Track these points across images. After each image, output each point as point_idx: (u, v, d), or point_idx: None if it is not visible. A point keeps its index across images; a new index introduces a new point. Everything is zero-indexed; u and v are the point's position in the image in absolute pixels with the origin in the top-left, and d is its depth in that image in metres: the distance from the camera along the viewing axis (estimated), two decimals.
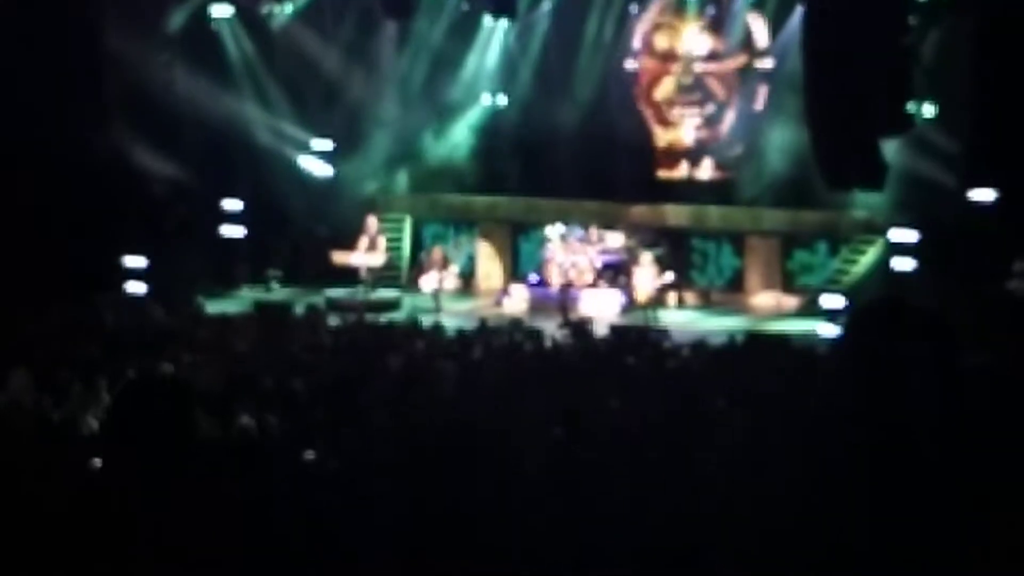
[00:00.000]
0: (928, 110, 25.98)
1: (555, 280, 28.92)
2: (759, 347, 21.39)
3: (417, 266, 30.12)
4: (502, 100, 31.51)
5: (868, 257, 27.89)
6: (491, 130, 31.48)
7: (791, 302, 28.75)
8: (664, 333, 24.22)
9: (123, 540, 4.32)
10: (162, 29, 29.14)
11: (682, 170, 30.64)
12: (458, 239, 31.27)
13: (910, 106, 22.72)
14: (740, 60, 30.09)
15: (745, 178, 29.63)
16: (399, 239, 31.15)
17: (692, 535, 6.86)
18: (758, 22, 29.75)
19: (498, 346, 20.53)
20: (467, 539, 6.67)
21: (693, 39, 30.39)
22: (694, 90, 30.55)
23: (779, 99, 28.59)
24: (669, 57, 30.69)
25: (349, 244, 28.87)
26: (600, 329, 24.22)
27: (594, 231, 29.41)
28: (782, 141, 27.91)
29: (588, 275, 28.90)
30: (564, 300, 27.89)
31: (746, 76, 30.04)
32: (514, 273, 30.74)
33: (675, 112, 30.70)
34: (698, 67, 30.40)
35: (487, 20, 30.94)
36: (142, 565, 4.30)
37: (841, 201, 27.85)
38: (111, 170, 27.09)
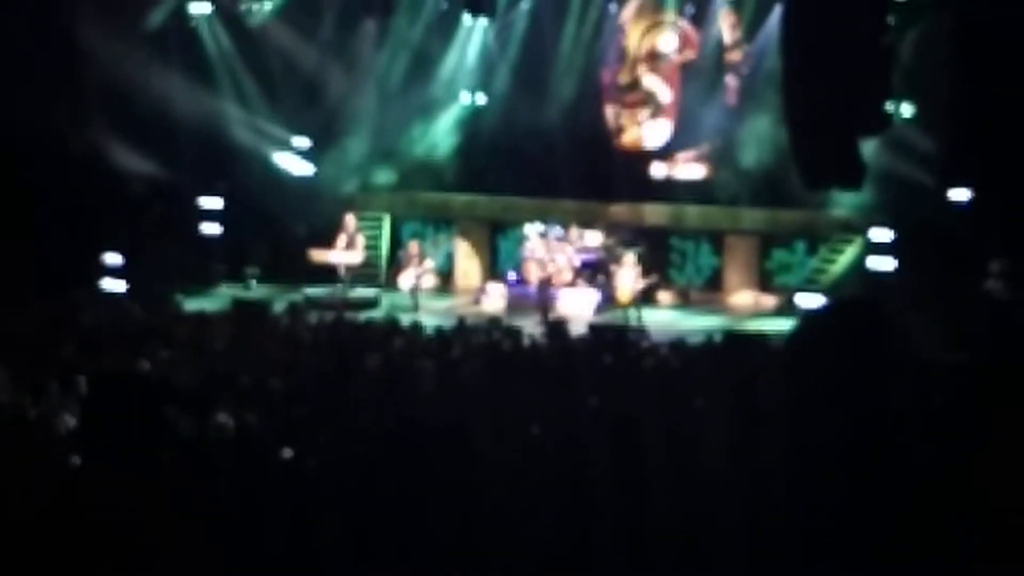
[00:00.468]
0: (907, 110, 26.07)
1: (534, 279, 28.91)
2: (737, 346, 21.39)
3: (395, 264, 30.09)
4: (481, 99, 31.54)
5: (846, 256, 27.95)
6: (470, 128, 31.52)
7: (769, 301, 28.79)
8: (642, 332, 24.22)
9: (100, 537, 4.30)
10: (140, 27, 29.09)
11: (657, 169, 30.69)
12: (436, 237, 31.27)
13: (889, 106, 22.74)
14: (686, 56, 30.26)
15: (722, 177, 29.68)
16: (377, 237, 31.13)
17: (671, 531, 6.86)
18: (730, 18, 29.84)
19: (476, 344, 20.50)
20: (447, 536, 6.67)
21: (657, 38, 30.58)
22: (635, 89, 30.77)
23: (758, 97, 28.63)
24: (623, 57, 30.94)
25: (327, 242, 28.83)
26: (578, 328, 24.22)
27: (573, 230, 29.42)
28: (760, 139, 27.98)
29: (567, 274, 28.89)
30: (543, 299, 27.88)
31: (702, 72, 30.15)
32: (492, 271, 30.75)
33: (624, 113, 30.92)
34: (640, 67, 30.65)
35: (466, 18, 31.00)
36: (119, 562, 4.28)
37: (819, 201, 27.90)
38: (89, 167, 27.05)
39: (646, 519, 7.36)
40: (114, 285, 27.39)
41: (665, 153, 30.62)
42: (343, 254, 28.70)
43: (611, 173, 29.92)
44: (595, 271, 28.89)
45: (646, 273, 27.66)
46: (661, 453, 10.61)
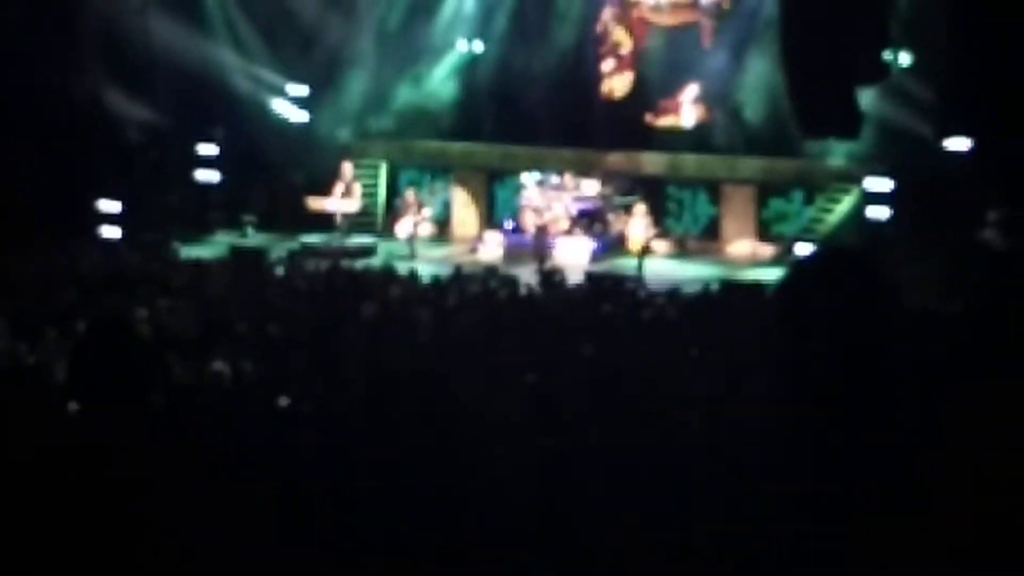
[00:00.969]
0: (904, 59, 25.98)
1: (531, 227, 28.88)
2: (733, 295, 21.43)
3: (392, 212, 30.05)
4: (478, 46, 31.43)
5: (843, 206, 27.89)
6: (467, 76, 31.44)
7: (766, 250, 28.75)
8: (639, 281, 24.25)
9: (94, 484, 4.32)
10: None
11: (652, 118, 30.66)
12: (433, 185, 31.22)
13: (887, 54, 22.69)
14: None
15: (720, 123, 29.64)
16: (374, 185, 31.09)
17: (668, 482, 6.90)
18: None
19: (473, 293, 20.54)
20: (441, 485, 6.70)
21: None
22: (604, 41, 30.82)
23: (756, 45, 28.55)
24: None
25: (324, 190, 28.83)
26: (575, 277, 24.23)
27: (569, 179, 29.37)
28: (757, 86, 27.95)
29: (564, 222, 28.86)
30: (539, 247, 27.86)
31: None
32: (489, 220, 30.72)
33: (601, 63, 31.02)
34: (610, 18, 30.71)
35: None
36: (114, 509, 4.31)
37: (817, 150, 27.86)
38: (86, 115, 26.99)
39: (639, 466, 7.40)
40: (111, 232, 27.39)
41: (643, 102, 30.55)
42: (340, 202, 28.69)
43: (608, 122, 29.89)
44: (592, 220, 28.86)
45: (657, 224, 27.80)
46: (654, 401, 10.65)
